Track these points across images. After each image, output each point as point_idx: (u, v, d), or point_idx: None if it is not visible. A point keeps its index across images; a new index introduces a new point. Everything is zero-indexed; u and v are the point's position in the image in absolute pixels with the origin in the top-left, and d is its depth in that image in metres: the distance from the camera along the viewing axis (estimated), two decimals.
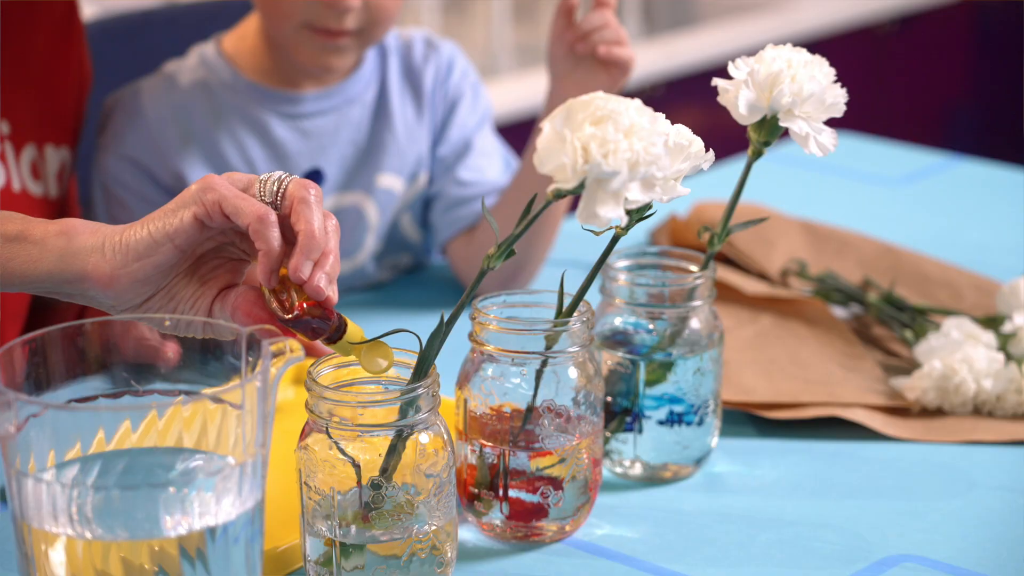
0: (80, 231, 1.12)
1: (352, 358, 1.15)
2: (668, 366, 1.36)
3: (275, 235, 1.10)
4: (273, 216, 1.11)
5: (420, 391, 1.15)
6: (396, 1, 1.68)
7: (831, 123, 1.27)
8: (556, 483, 1.26)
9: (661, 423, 1.37)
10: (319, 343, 1.14)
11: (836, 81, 1.26)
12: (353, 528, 1.16)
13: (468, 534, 1.29)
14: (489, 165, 1.81)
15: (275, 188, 1.12)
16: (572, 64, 1.66)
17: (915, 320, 1.63)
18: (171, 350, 1.11)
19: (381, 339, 1.15)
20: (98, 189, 1.73)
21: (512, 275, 1.74)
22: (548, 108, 1.68)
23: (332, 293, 1.11)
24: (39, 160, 1.59)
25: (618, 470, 1.39)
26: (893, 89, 3.69)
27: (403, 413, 1.15)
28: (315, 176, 1.74)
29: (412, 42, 1.82)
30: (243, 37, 1.76)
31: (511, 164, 1.84)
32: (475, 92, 1.83)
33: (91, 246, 1.11)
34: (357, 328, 1.14)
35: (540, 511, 1.27)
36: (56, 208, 1.62)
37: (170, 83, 1.74)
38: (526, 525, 1.27)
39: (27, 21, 1.59)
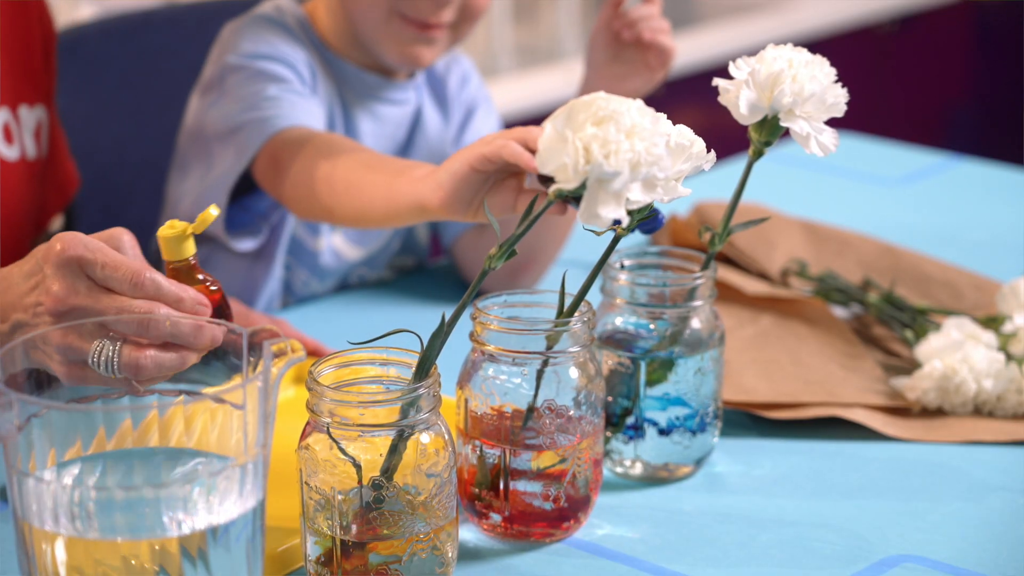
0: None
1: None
2: (669, 366, 1.36)
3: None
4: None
5: (421, 391, 1.15)
6: None
7: (831, 123, 1.27)
8: (557, 483, 1.26)
9: (662, 432, 1.37)
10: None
11: (837, 81, 1.26)
12: (354, 528, 1.16)
13: (468, 534, 1.29)
14: None
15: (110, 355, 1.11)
16: (612, 55, 1.69)
17: (915, 320, 1.63)
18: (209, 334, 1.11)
19: (380, 339, 1.14)
20: (211, 109, 1.68)
21: (521, 268, 1.73)
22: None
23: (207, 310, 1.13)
24: (12, 123, 1.58)
25: (618, 470, 1.39)
26: (893, 89, 3.68)
27: (404, 413, 1.15)
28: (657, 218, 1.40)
29: None
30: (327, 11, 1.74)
31: None
32: (488, 104, 1.87)
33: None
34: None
35: (541, 511, 1.27)
36: (36, 168, 1.60)
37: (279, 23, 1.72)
38: (526, 525, 1.27)
39: None
